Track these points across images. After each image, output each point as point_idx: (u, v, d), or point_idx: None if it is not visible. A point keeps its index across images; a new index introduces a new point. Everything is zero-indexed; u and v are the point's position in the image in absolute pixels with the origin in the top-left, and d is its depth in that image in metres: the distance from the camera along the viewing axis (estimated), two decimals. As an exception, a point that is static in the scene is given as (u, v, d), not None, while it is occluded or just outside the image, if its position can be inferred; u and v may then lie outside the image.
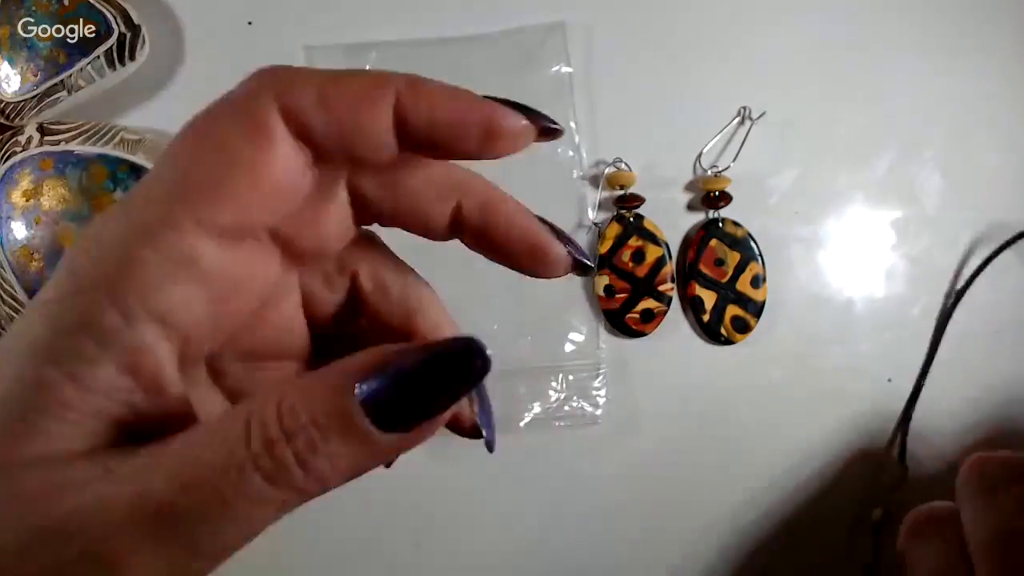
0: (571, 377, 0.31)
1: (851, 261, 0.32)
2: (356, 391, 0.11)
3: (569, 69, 0.31)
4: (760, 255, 0.31)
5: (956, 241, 0.32)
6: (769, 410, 0.31)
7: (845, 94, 0.32)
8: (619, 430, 0.31)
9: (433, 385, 0.12)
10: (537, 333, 0.31)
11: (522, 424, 0.30)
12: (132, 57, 0.29)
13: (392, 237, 0.16)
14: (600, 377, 0.31)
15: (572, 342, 0.31)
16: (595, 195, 0.31)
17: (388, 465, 0.13)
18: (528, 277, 0.15)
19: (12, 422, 0.11)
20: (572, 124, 0.31)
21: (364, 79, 0.13)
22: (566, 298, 0.31)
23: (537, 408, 0.30)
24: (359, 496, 0.27)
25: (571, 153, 0.31)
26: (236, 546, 0.12)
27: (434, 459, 0.31)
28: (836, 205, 0.32)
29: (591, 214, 0.31)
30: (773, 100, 0.32)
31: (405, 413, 0.12)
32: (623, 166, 0.31)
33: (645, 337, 0.31)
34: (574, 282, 0.31)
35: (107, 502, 0.11)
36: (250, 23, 0.31)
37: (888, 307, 0.32)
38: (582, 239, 0.31)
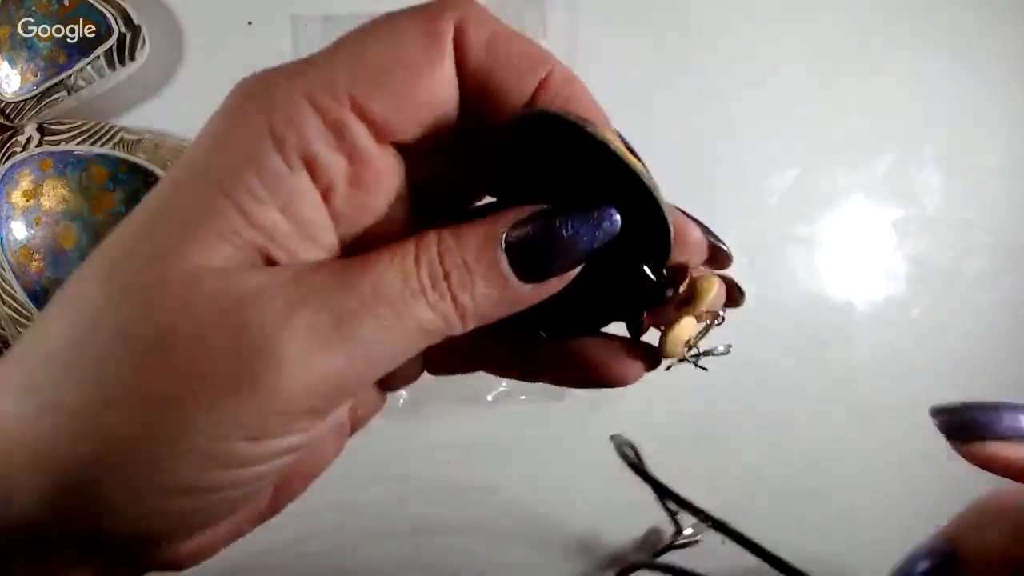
0: None
1: (851, 261, 0.32)
2: (503, 241, 0.14)
3: (546, 44, 0.31)
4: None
5: (956, 241, 0.32)
6: (768, 409, 0.31)
7: (845, 94, 0.32)
8: (585, 406, 0.31)
9: (568, 242, 0.14)
10: None
11: (489, 398, 0.31)
12: (132, 57, 0.29)
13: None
14: None
15: None
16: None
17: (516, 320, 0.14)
18: None
19: (194, 233, 0.13)
20: None
21: (533, 48, 0.14)
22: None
23: (503, 384, 0.31)
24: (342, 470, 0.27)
25: None
26: (388, 366, 0.14)
27: (412, 427, 0.31)
28: (836, 205, 0.32)
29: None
30: (773, 100, 0.32)
31: (542, 265, 0.14)
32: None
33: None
34: None
35: (287, 307, 0.13)
36: (250, 23, 0.31)
37: (888, 307, 0.32)
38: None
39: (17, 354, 0.13)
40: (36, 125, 0.29)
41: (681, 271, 0.16)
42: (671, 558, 0.30)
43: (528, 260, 0.14)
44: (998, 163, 0.32)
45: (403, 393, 0.30)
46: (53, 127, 0.29)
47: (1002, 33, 0.32)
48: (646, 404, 0.31)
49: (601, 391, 0.17)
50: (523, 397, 0.31)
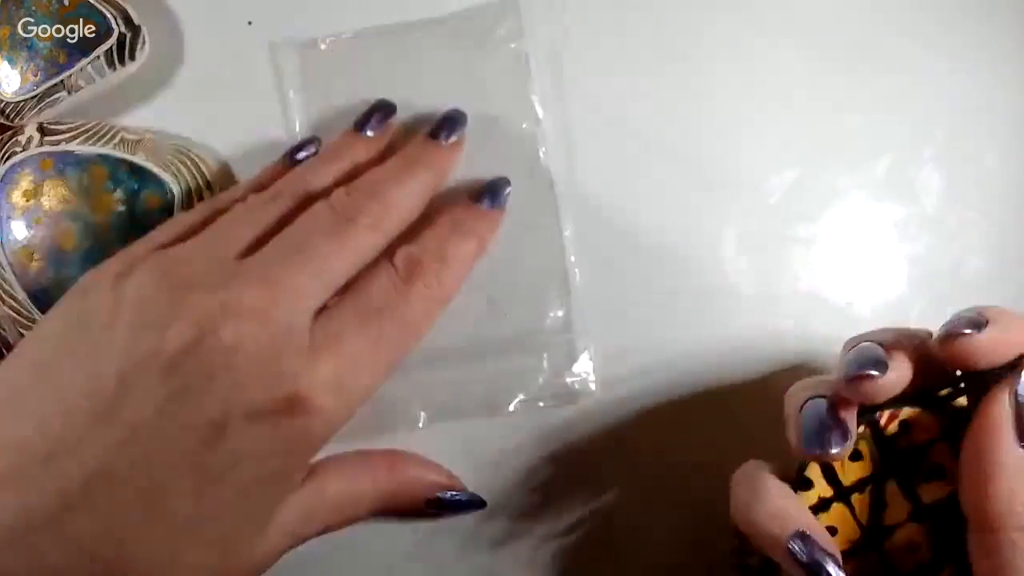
0: (550, 356, 0.31)
1: (851, 261, 0.32)
2: None
3: (523, 48, 0.31)
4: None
5: (956, 241, 0.32)
6: (767, 408, 0.31)
7: (845, 94, 0.32)
8: (607, 407, 0.31)
9: None
10: (514, 311, 0.31)
11: (511, 408, 0.30)
12: (132, 57, 0.29)
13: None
14: (585, 353, 0.31)
15: (552, 318, 0.31)
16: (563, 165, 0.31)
17: None
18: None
19: None
20: (534, 98, 0.31)
21: None
22: (542, 275, 0.31)
23: (522, 395, 0.30)
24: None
25: (532, 128, 0.31)
26: None
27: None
28: (836, 205, 0.32)
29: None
30: (773, 100, 0.32)
31: None
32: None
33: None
34: (549, 256, 0.31)
35: None
36: (250, 23, 0.31)
37: (888, 307, 0.32)
38: (551, 221, 0.31)
39: None
40: (36, 125, 0.29)
41: None
42: None
43: None
44: (998, 163, 0.32)
45: (421, 414, 0.30)
46: (53, 127, 0.29)
47: (1002, 33, 0.32)
48: (646, 404, 0.31)
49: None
50: (542, 404, 0.31)
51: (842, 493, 0.23)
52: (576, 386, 0.31)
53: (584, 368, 0.31)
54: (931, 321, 0.32)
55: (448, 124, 0.29)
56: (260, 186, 0.27)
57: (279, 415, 0.22)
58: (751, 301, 0.32)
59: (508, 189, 0.29)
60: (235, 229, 0.25)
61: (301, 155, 0.28)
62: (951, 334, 0.21)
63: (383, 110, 0.29)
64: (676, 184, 0.32)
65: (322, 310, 0.24)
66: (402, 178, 0.27)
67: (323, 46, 0.31)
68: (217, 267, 0.23)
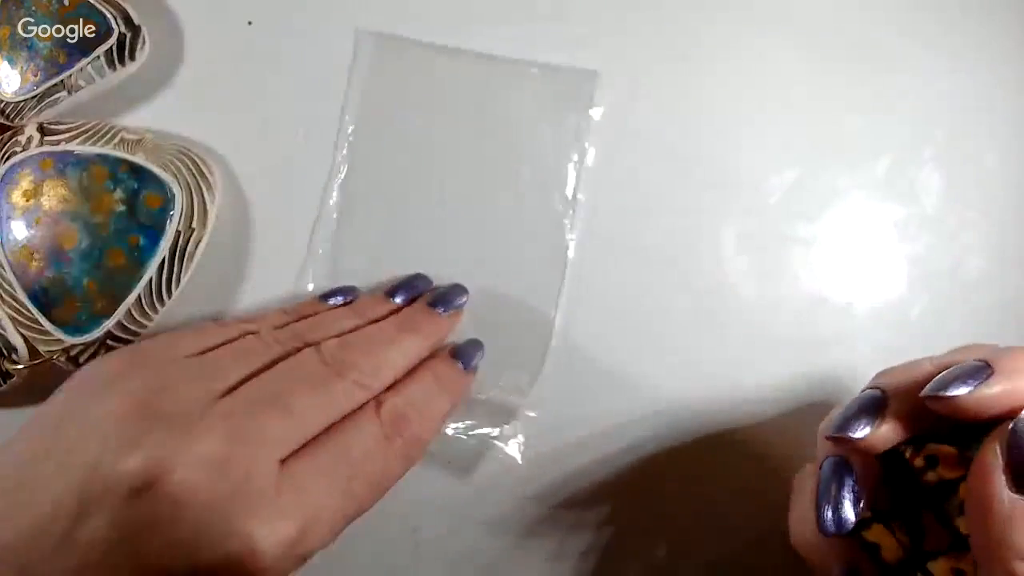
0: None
1: (851, 261, 0.32)
2: None
3: (593, 117, 0.31)
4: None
5: (956, 241, 0.32)
6: (768, 410, 0.31)
7: (845, 94, 0.32)
8: (608, 407, 0.31)
9: None
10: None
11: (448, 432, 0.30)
12: (132, 57, 0.29)
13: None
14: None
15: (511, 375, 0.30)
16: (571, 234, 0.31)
17: None
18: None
19: None
20: (572, 169, 0.31)
21: None
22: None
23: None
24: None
25: (562, 207, 0.31)
26: None
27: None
28: (836, 205, 0.32)
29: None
30: (772, 100, 0.32)
31: None
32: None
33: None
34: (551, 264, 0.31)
35: None
36: (250, 23, 0.31)
37: (888, 307, 0.32)
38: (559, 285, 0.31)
39: None
40: (36, 125, 0.29)
41: None
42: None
43: None
44: (998, 163, 0.32)
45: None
46: (53, 127, 0.29)
47: (1002, 33, 0.32)
48: (649, 403, 0.31)
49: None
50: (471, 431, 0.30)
51: (880, 515, 0.23)
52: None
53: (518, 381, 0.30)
54: (931, 321, 0.33)
55: (448, 298, 0.29)
56: (283, 318, 0.28)
57: (225, 574, 0.21)
58: (751, 301, 0.32)
59: (464, 298, 0.30)
60: (229, 364, 0.25)
61: (332, 301, 0.29)
62: (937, 396, 0.21)
63: (418, 286, 0.30)
64: (676, 184, 0.32)
65: (293, 453, 0.23)
66: (397, 340, 0.27)
67: (404, 46, 0.31)
68: (194, 404, 0.22)
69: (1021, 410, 0.19)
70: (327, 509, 0.23)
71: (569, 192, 0.31)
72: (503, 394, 0.30)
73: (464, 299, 0.30)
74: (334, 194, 0.31)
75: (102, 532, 0.20)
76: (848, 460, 0.23)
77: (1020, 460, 0.18)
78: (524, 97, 0.31)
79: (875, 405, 0.22)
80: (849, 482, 0.22)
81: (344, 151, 0.31)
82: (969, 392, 0.20)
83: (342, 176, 0.31)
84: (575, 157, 0.31)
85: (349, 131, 0.31)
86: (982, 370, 0.20)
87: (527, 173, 0.31)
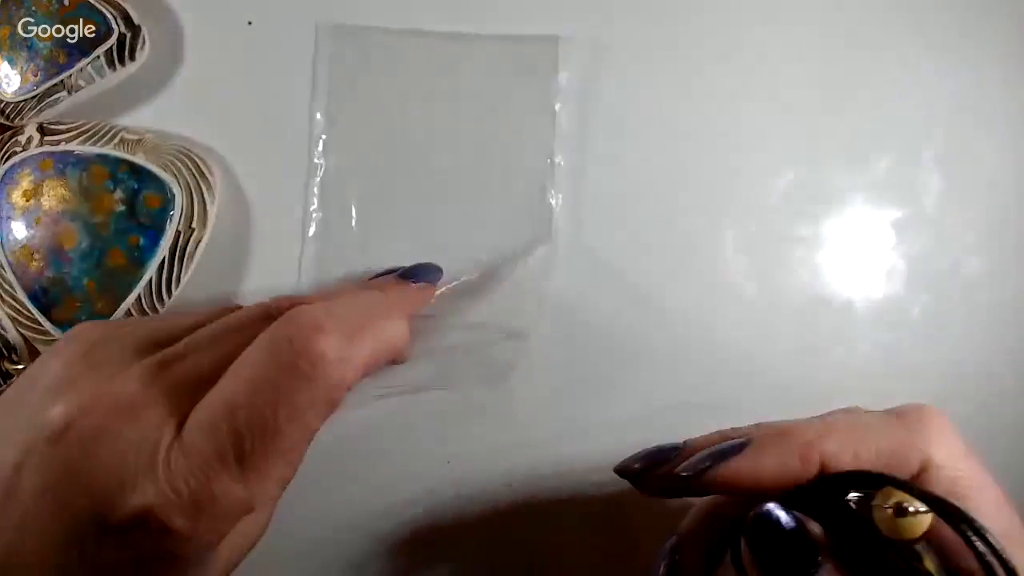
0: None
1: (851, 261, 0.32)
2: None
3: (559, 82, 0.31)
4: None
5: (956, 241, 0.32)
6: (768, 410, 0.31)
7: (845, 94, 0.32)
8: (607, 407, 0.31)
9: None
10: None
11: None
12: (132, 57, 0.29)
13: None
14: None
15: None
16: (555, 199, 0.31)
17: None
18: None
19: None
20: (547, 134, 0.31)
21: None
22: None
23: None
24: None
25: (548, 160, 0.31)
26: None
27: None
28: (836, 205, 0.32)
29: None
30: (773, 100, 0.32)
31: None
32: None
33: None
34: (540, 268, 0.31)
35: None
36: (250, 23, 0.31)
37: (888, 307, 0.32)
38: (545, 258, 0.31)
39: None
40: (36, 125, 0.29)
41: None
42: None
43: None
44: (998, 163, 0.32)
45: None
46: (53, 127, 0.29)
47: (1002, 33, 0.32)
48: (646, 402, 0.31)
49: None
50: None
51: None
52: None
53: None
54: (931, 321, 0.33)
55: (419, 272, 0.29)
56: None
57: (132, 530, 0.19)
58: (751, 301, 0.32)
59: (438, 276, 0.29)
60: (176, 323, 0.24)
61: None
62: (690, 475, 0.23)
63: (433, 274, 0.29)
64: (676, 184, 0.32)
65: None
66: (353, 293, 0.26)
67: (367, 35, 0.31)
68: (130, 353, 0.22)
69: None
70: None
71: (548, 157, 0.31)
72: (494, 367, 0.30)
73: (438, 277, 0.29)
74: (315, 191, 0.31)
75: (34, 480, 0.20)
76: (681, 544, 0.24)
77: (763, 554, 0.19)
78: (491, 70, 0.31)
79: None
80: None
81: (320, 147, 0.31)
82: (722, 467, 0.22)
83: (320, 174, 0.31)
84: (549, 121, 0.31)
85: (319, 119, 0.31)
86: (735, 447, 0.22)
87: (503, 142, 0.31)
